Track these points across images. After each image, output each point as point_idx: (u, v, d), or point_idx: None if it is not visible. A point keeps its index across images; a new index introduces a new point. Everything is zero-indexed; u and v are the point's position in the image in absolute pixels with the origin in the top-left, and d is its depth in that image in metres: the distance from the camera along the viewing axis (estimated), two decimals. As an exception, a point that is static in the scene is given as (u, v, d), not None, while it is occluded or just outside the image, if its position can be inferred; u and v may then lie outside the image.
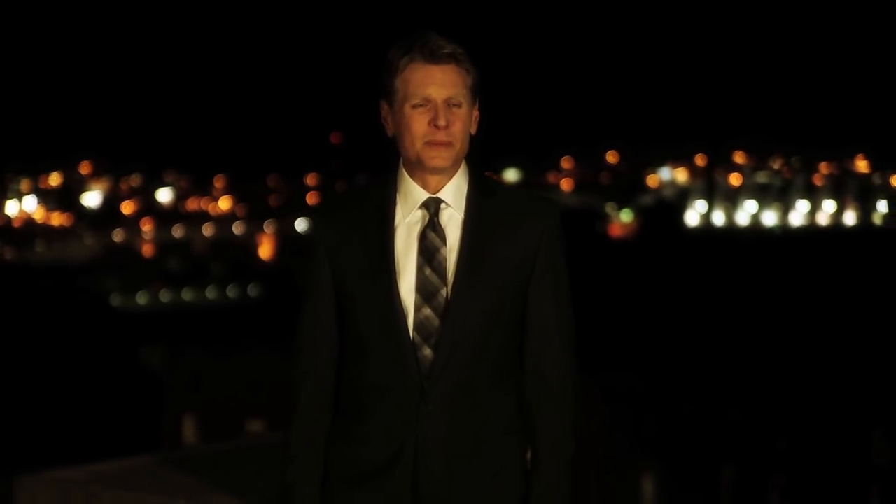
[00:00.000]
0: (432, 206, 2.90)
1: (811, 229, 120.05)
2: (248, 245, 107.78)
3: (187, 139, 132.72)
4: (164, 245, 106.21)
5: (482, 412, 2.85)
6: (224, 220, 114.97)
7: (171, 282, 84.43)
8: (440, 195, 2.91)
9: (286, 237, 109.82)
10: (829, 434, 36.77)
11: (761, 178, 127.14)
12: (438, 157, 2.86)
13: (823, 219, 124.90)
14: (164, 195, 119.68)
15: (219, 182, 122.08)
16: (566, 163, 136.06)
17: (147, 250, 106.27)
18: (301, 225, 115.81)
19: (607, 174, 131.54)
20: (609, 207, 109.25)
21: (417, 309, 2.84)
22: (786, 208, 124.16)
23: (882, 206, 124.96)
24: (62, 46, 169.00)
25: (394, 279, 2.84)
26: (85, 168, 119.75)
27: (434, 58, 2.86)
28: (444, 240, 2.87)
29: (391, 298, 2.83)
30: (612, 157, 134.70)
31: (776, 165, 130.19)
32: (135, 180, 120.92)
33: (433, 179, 2.91)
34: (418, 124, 2.87)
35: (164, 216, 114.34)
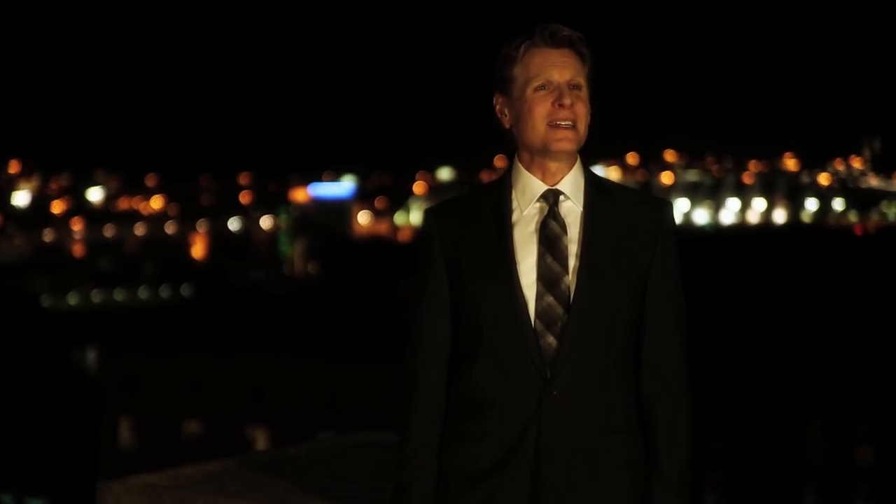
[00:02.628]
0: (551, 198, 2.89)
1: (742, 227, 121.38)
2: (180, 244, 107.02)
3: (117, 138, 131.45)
4: (95, 245, 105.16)
5: (604, 406, 2.85)
6: (156, 220, 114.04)
7: (102, 282, 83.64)
8: (559, 187, 2.91)
9: (219, 236, 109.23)
10: (764, 432, 37.19)
11: (692, 176, 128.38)
12: (564, 140, 2.86)
13: (754, 217, 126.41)
14: (95, 194, 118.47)
15: (150, 181, 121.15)
16: (500, 161, 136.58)
17: (78, 250, 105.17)
18: (234, 224, 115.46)
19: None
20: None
21: (540, 297, 2.83)
22: (717, 206, 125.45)
23: (811, 204, 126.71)
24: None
25: (514, 268, 2.84)
26: (13, 167, 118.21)
27: (554, 42, 2.89)
28: (564, 229, 2.87)
29: (512, 287, 2.83)
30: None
31: (707, 164, 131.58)
32: (64, 179, 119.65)
33: (553, 167, 2.90)
34: (541, 106, 2.87)
35: (95, 216, 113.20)
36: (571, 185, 2.91)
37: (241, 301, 64.16)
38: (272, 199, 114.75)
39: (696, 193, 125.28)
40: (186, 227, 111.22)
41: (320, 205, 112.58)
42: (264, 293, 71.28)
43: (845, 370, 39.90)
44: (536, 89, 2.87)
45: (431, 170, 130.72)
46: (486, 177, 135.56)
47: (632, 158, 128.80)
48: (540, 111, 2.86)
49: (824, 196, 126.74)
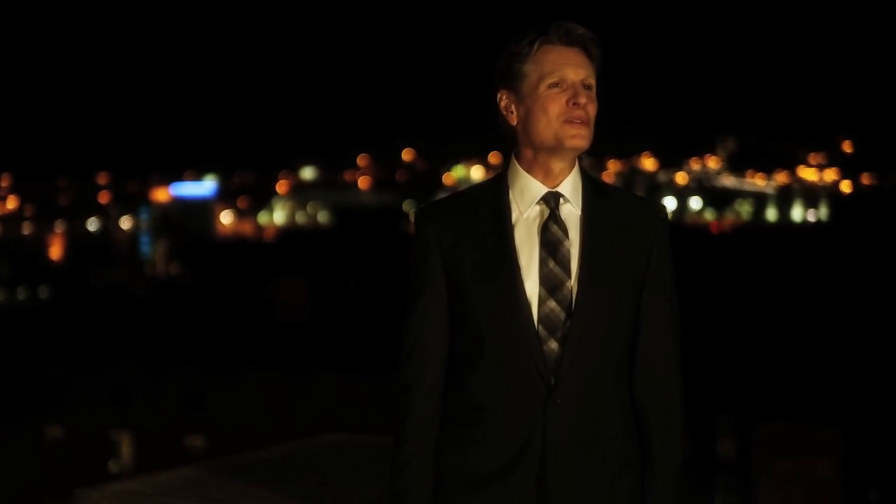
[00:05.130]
0: (552, 201, 2.86)
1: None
2: (37, 245, 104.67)
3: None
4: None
5: (605, 412, 2.84)
6: (11, 220, 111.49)
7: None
8: (559, 190, 2.87)
9: (77, 237, 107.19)
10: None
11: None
12: (578, 137, 2.83)
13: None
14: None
15: (4, 181, 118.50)
16: (362, 160, 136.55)
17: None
18: (92, 225, 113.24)
19: (403, 172, 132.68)
20: (407, 206, 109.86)
21: (542, 302, 2.79)
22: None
23: (669, 203, 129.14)
24: None
25: (517, 272, 2.79)
26: None
27: (569, 40, 2.86)
28: (566, 233, 2.84)
29: (515, 292, 2.79)
30: (407, 154, 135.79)
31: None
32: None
33: (557, 167, 2.87)
34: (555, 104, 2.83)
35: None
36: (571, 188, 2.89)
37: (102, 303, 63.02)
38: (132, 199, 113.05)
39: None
40: (43, 228, 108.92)
41: (182, 204, 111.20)
42: (125, 295, 70.11)
43: (706, 365, 40.79)
44: (550, 86, 2.84)
45: (294, 169, 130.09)
46: (349, 176, 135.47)
47: (494, 157, 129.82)
48: (554, 109, 2.83)
49: (681, 195, 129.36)
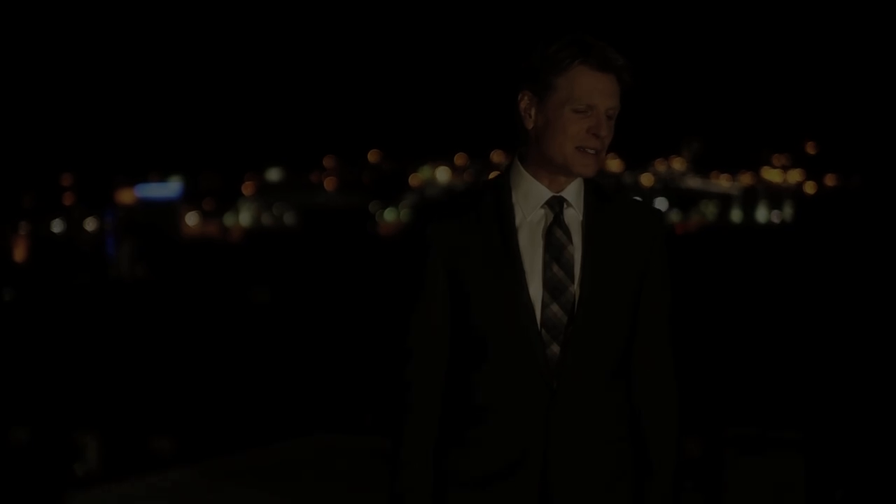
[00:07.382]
0: (556, 206, 2.89)
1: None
2: (1, 247, 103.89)
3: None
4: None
5: (605, 415, 2.87)
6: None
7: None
8: (563, 195, 2.91)
9: (41, 239, 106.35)
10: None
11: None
12: (589, 167, 2.86)
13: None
14: None
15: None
16: (328, 162, 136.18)
17: None
18: (57, 226, 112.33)
19: (370, 173, 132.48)
20: (373, 206, 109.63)
21: (545, 305, 2.82)
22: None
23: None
24: None
25: (521, 275, 2.82)
26: None
27: (606, 67, 2.85)
28: (570, 237, 2.87)
29: (519, 294, 2.81)
30: (373, 155, 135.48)
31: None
32: None
33: (561, 180, 2.90)
34: (576, 127, 2.84)
35: None
36: (574, 193, 2.92)
37: (67, 304, 62.61)
38: (97, 201, 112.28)
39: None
40: (6, 230, 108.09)
41: (147, 206, 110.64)
42: (90, 296, 69.69)
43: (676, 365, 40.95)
44: (576, 111, 2.85)
45: (260, 170, 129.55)
46: (315, 177, 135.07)
47: (460, 159, 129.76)
48: (573, 132, 2.85)
49: (647, 196, 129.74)
